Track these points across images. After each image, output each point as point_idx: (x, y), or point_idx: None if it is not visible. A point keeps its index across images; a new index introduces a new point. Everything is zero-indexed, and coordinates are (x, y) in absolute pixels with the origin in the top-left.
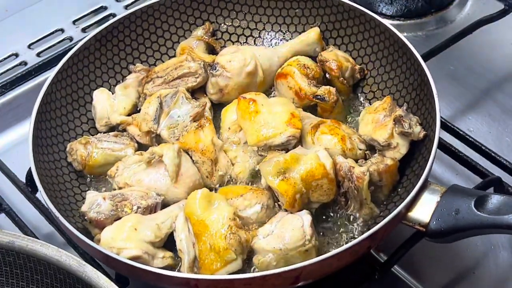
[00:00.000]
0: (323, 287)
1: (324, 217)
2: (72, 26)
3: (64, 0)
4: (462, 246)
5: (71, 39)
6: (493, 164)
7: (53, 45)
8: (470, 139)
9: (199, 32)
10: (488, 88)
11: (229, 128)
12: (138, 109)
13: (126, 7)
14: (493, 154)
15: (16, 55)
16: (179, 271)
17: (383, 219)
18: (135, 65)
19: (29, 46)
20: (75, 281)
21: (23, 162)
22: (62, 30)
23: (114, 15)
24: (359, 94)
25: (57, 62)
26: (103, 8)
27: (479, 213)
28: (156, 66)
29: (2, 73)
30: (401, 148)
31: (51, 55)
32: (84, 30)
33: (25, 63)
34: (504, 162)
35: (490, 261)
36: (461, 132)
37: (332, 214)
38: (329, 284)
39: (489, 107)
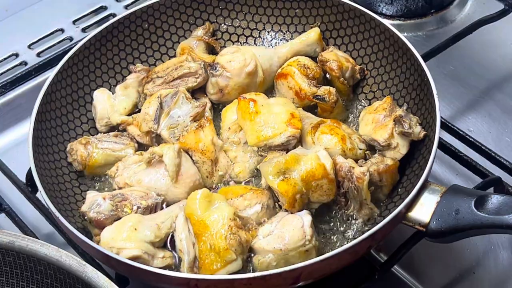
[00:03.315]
0: (324, 287)
1: (324, 217)
2: (72, 26)
3: (64, 0)
4: (462, 246)
5: (71, 39)
6: (493, 164)
7: (53, 45)
8: (470, 139)
9: (199, 32)
10: (488, 88)
11: (229, 128)
12: (138, 109)
13: (126, 7)
14: (493, 154)
15: (16, 55)
16: (179, 271)
17: (383, 219)
18: (135, 65)
19: (29, 46)
20: (75, 281)
21: (23, 162)
22: (62, 30)
23: (114, 15)
24: (359, 95)
25: (57, 62)
26: (103, 8)
27: (479, 213)
28: (156, 66)
29: (2, 73)
30: (401, 148)
31: (51, 55)
32: (84, 30)
33: (25, 63)
34: (504, 162)
35: (490, 261)
36: (461, 132)
37: (332, 214)
38: (329, 284)
39: (489, 107)
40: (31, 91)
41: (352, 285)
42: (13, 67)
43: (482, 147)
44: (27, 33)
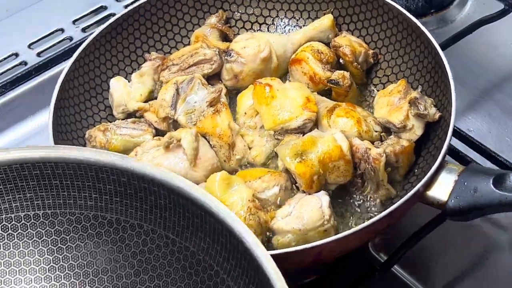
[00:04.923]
0: (323, 287)
1: (341, 198)
2: (72, 26)
3: (64, 0)
4: (463, 246)
5: (71, 39)
6: (493, 164)
7: (53, 45)
8: (470, 139)
9: (213, 20)
10: (488, 88)
11: (245, 113)
12: (154, 96)
13: (126, 6)
14: (493, 154)
15: (16, 55)
16: None
17: (401, 198)
18: (150, 53)
19: (29, 46)
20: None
21: None
22: (62, 30)
23: (114, 15)
24: (373, 79)
25: (57, 62)
26: (103, 8)
27: (497, 191)
28: (171, 54)
29: (2, 73)
30: (417, 129)
31: (51, 55)
32: (84, 30)
33: (25, 63)
34: (504, 162)
35: (490, 262)
36: (461, 132)
37: (349, 196)
38: (329, 284)
39: (489, 107)
40: (31, 91)
41: (352, 285)
42: (13, 67)
43: (482, 147)
44: (27, 33)
